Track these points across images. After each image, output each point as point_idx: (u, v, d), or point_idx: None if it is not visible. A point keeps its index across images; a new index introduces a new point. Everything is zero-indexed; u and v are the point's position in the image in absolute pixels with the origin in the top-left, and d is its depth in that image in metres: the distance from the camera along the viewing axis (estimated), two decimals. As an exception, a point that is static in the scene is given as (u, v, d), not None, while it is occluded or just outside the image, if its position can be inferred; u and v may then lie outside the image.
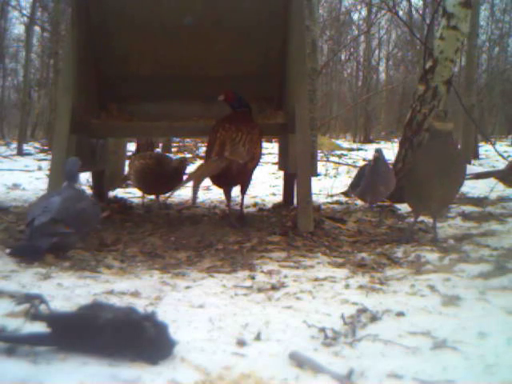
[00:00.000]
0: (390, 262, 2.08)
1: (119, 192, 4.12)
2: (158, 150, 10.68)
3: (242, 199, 2.84)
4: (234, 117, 2.72)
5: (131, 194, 4.13)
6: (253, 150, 2.60)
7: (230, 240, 2.37)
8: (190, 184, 2.45)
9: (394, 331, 1.29)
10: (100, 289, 1.63)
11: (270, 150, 8.83)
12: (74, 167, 2.14)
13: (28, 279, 1.73)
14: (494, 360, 1.12)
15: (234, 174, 2.54)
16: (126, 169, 4.21)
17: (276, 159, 5.04)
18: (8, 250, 2.06)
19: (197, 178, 2.44)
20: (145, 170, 3.13)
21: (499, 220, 2.89)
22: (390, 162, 3.61)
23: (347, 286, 1.72)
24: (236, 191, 2.86)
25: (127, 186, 4.69)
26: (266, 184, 5.01)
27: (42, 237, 1.96)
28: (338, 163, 7.42)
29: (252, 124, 2.71)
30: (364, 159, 8.41)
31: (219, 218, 2.99)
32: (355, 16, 20.70)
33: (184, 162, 3.28)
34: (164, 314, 1.32)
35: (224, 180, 2.63)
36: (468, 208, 3.32)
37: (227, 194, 2.77)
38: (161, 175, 3.07)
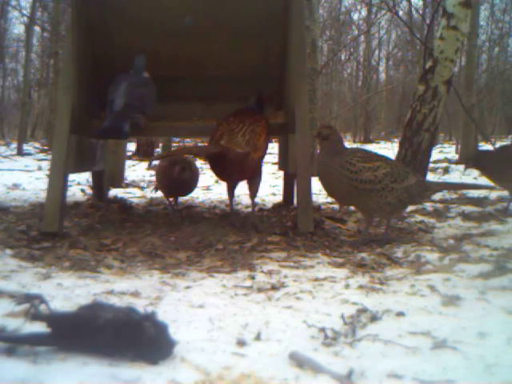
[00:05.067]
0: (390, 261, 2.08)
1: (119, 192, 4.12)
2: (158, 149, 10.69)
3: (253, 201, 2.78)
4: (241, 111, 2.71)
5: (131, 194, 4.13)
6: (255, 140, 2.52)
7: (230, 240, 2.37)
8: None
9: (394, 331, 1.29)
10: (100, 289, 1.63)
11: (270, 149, 8.82)
12: (142, 62, 2.78)
13: (28, 279, 1.73)
14: (494, 360, 1.12)
15: (234, 164, 2.47)
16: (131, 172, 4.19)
17: (276, 159, 5.04)
18: (95, 133, 2.58)
19: (179, 150, 2.45)
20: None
21: (499, 220, 2.89)
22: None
23: (347, 286, 1.72)
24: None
25: (127, 185, 4.70)
26: (266, 184, 5.01)
27: (122, 120, 2.49)
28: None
29: (257, 117, 2.67)
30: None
31: (219, 217, 2.99)
32: (355, 16, 20.74)
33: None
34: (164, 314, 1.32)
35: (224, 170, 2.57)
36: (468, 208, 3.32)
37: (230, 191, 2.74)
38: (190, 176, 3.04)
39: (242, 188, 2.89)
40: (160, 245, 2.30)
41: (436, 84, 3.64)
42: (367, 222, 2.48)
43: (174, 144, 11.79)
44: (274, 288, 1.69)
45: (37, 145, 12.85)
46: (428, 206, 3.40)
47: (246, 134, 2.51)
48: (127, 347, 1.08)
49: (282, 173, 3.87)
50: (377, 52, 21.65)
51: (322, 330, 1.27)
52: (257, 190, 2.75)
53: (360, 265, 2.02)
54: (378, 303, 1.52)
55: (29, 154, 9.59)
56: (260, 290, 1.67)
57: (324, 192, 4.23)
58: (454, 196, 3.90)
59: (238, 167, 2.50)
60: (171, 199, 3.28)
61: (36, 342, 1.12)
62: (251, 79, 3.08)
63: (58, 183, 2.45)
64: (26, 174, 5.85)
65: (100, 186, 3.53)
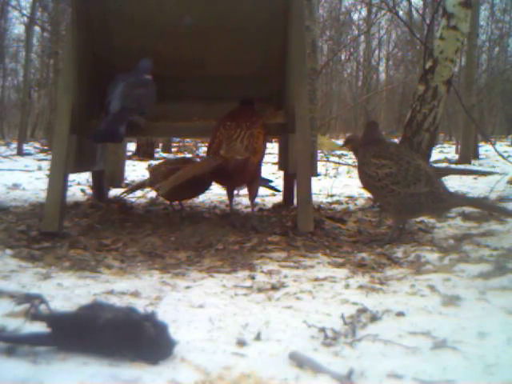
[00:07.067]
0: (390, 261, 2.08)
1: (119, 192, 4.11)
2: (158, 149, 10.69)
3: (252, 203, 2.78)
4: (237, 112, 2.72)
5: (131, 193, 4.12)
6: (253, 144, 2.53)
7: (230, 240, 2.37)
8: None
9: (394, 331, 1.29)
10: (100, 289, 1.63)
11: (270, 150, 8.83)
12: (146, 65, 2.76)
13: (28, 279, 1.73)
14: (494, 360, 1.12)
15: (235, 171, 2.49)
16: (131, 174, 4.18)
17: (276, 159, 5.04)
18: (91, 136, 2.53)
19: (180, 175, 2.48)
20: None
21: (499, 220, 2.88)
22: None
23: (347, 286, 1.72)
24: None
25: (127, 185, 4.69)
26: (266, 184, 5.00)
27: (118, 123, 2.48)
28: (338, 163, 7.42)
29: (254, 119, 2.68)
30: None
31: (219, 217, 2.99)
32: (355, 16, 20.76)
33: None
34: (164, 314, 1.32)
35: (224, 178, 2.60)
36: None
37: (230, 192, 2.76)
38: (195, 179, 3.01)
39: (243, 188, 2.89)
40: (160, 245, 2.30)
41: (436, 84, 3.63)
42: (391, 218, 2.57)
43: (174, 144, 11.79)
44: (274, 288, 1.69)
45: (37, 145, 12.84)
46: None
47: (244, 139, 2.53)
48: (127, 347, 1.08)
49: (282, 173, 3.87)
50: (377, 52, 21.67)
51: (322, 330, 1.27)
52: (256, 193, 2.78)
53: (360, 265, 2.02)
54: (378, 303, 1.52)
55: (29, 154, 9.58)
56: (260, 289, 1.67)
57: (324, 192, 4.26)
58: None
59: (239, 174, 2.53)
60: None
61: (36, 342, 1.12)
62: (251, 79, 3.07)
63: (58, 183, 2.45)
64: (26, 174, 5.85)
65: (100, 186, 3.53)
